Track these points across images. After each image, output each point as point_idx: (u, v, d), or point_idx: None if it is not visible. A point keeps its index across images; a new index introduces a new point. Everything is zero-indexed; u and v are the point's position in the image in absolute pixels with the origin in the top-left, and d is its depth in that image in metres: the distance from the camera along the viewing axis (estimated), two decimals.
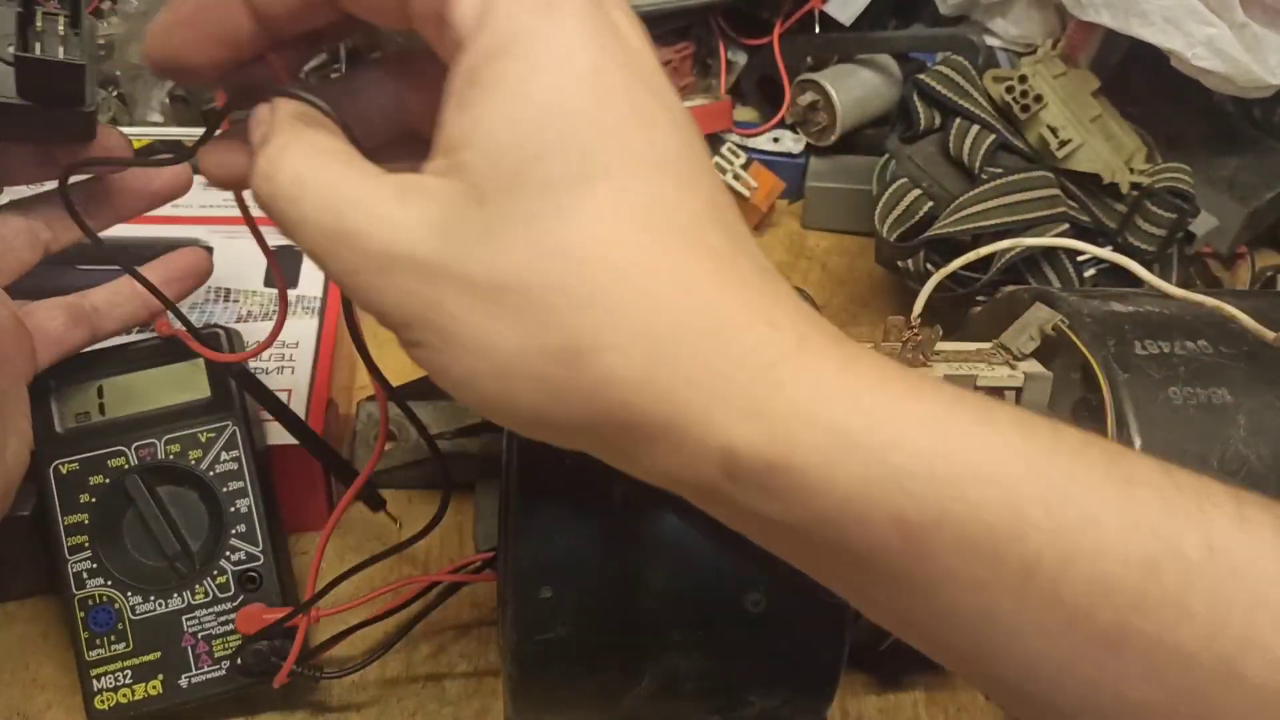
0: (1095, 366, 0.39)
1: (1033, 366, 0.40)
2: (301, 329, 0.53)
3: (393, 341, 0.24)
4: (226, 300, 0.54)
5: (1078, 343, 0.40)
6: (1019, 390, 0.40)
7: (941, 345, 0.41)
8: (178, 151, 0.32)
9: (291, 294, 0.54)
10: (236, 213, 0.59)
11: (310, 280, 0.55)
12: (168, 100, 0.73)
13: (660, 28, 0.72)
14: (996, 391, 0.40)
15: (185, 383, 0.44)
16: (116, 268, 0.54)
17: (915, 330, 0.40)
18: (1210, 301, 0.41)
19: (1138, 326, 0.41)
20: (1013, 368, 0.40)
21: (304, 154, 0.24)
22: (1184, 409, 0.38)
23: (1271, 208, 0.69)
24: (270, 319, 0.53)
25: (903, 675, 0.47)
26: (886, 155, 0.65)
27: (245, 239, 0.58)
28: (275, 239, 0.57)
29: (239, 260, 0.56)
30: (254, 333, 0.46)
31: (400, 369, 0.59)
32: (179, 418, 0.44)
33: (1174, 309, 0.42)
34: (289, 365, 0.50)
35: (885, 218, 0.61)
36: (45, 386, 0.43)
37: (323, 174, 0.24)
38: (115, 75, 0.72)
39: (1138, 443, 0.37)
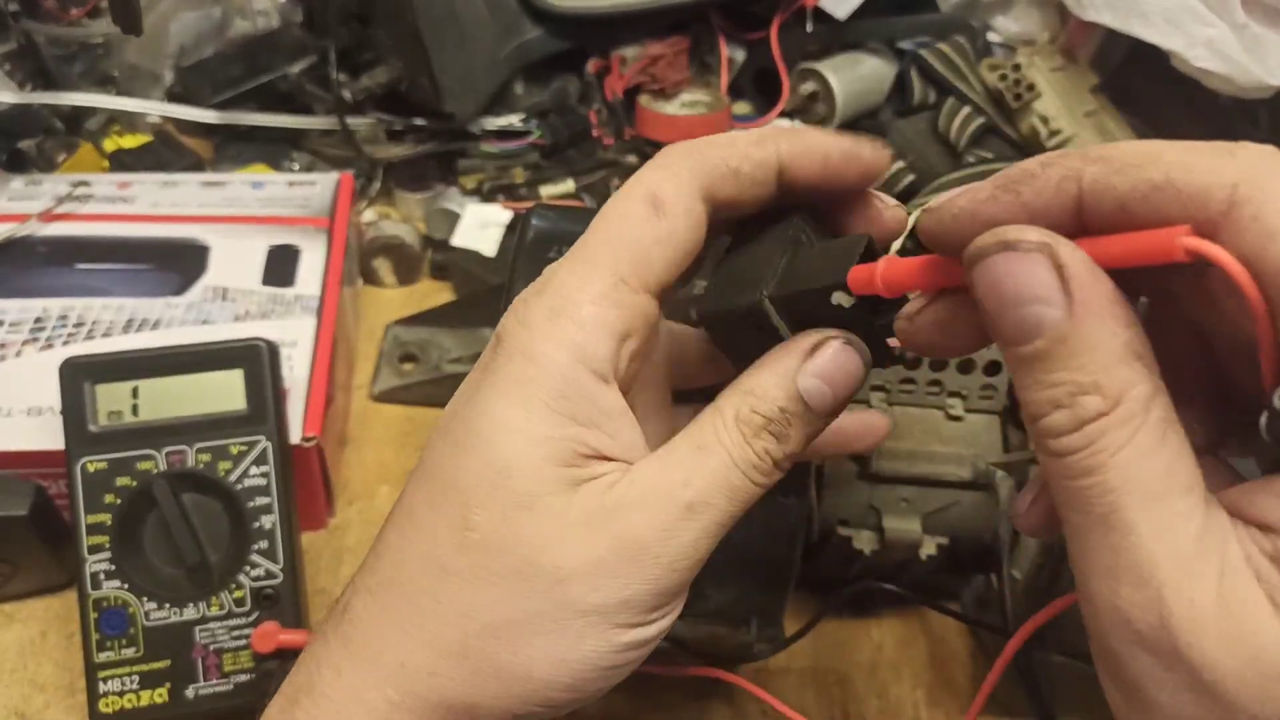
0: None
1: None
2: (300, 328, 0.52)
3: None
4: (224, 299, 0.53)
5: None
6: None
7: None
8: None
9: (289, 292, 0.54)
10: (234, 212, 0.60)
11: (307, 279, 0.55)
12: (165, 99, 0.73)
13: (654, 24, 0.72)
14: None
15: (222, 393, 0.44)
16: (115, 266, 0.55)
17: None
18: None
19: None
20: None
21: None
22: None
23: None
24: (267, 318, 0.53)
25: (869, 607, 0.49)
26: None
27: (242, 238, 0.58)
28: (272, 238, 0.58)
29: (237, 260, 0.56)
30: (254, 332, 0.46)
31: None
32: (212, 427, 0.44)
33: None
34: (288, 364, 0.50)
35: None
36: (82, 382, 0.43)
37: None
38: (114, 75, 0.72)
39: None
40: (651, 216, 0.24)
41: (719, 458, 0.24)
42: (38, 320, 0.51)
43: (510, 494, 0.24)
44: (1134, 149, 0.20)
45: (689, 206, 0.25)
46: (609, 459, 0.24)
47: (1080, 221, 0.20)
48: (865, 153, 0.26)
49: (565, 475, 0.24)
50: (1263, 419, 0.19)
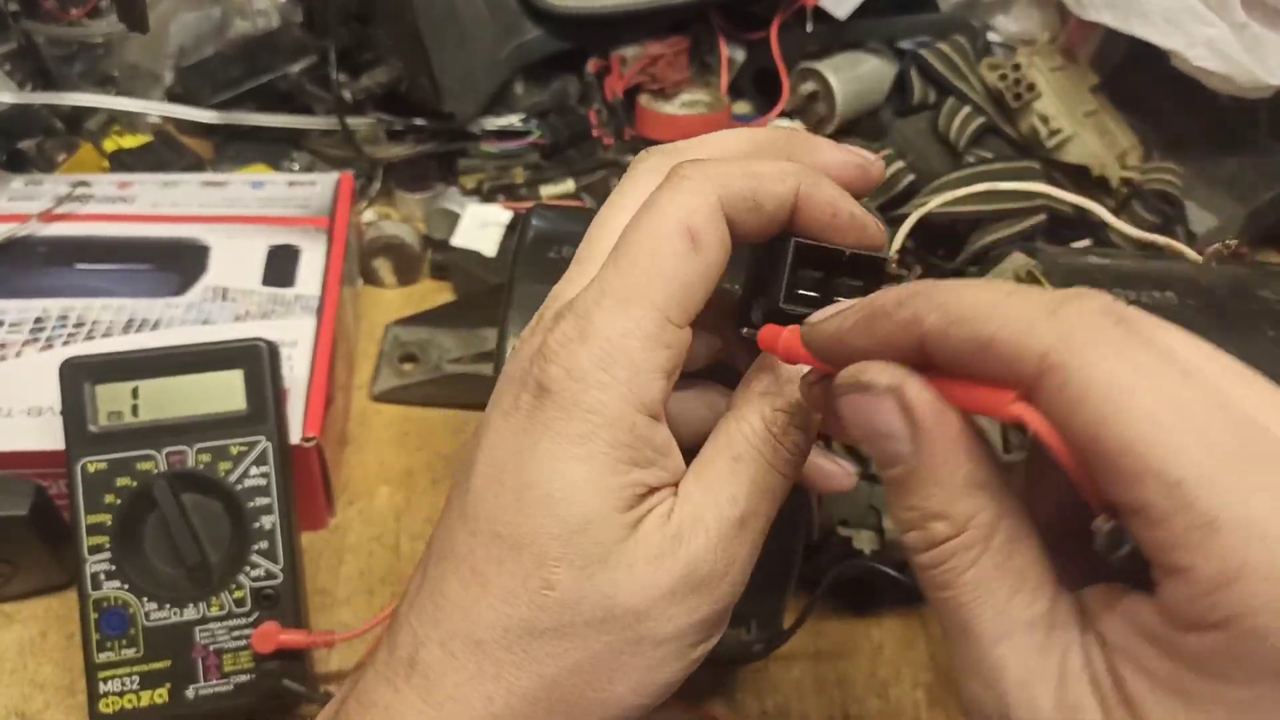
0: None
1: None
2: (300, 328, 0.52)
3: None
4: (224, 299, 0.53)
5: (1047, 286, 0.41)
6: None
7: None
8: None
9: (289, 292, 0.54)
10: (234, 212, 0.60)
11: (307, 279, 0.55)
12: (165, 100, 0.73)
13: (654, 24, 0.72)
14: None
15: (222, 393, 0.44)
16: (115, 266, 0.55)
17: (894, 265, 0.42)
18: (1162, 239, 0.47)
19: (1108, 276, 0.43)
20: None
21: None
22: None
23: (1271, 208, 0.69)
24: (267, 318, 0.53)
25: (870, 604, 0.49)
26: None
27: (242, 238, 0.58)
28: (272, 238, 0.58)
29: (237, 260, 0.56)
30: (254, 332, 0.46)
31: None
32: (213, 428, 0.44)
33: (1147, 265, 0.45)
34: (288, 364, 0.50)
35: None
36: (82, 382, 0.43)
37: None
38: (114, 75, 0.72)
39: None
40: (691, 252, 0.24)
41: (757, 465, 0.26)
42: (38, 320, 0.51)
43: (586, 549, 0.24)
44: (973, 299, 0.20)
45: (721, 238, 0.25)
46: (659, 489, 0.26)
47: (928, 358, 0.21)
48: (869, 227, 0.27)
49: (629, 519, 0.25)
50: (1097, 540, 0.20)
